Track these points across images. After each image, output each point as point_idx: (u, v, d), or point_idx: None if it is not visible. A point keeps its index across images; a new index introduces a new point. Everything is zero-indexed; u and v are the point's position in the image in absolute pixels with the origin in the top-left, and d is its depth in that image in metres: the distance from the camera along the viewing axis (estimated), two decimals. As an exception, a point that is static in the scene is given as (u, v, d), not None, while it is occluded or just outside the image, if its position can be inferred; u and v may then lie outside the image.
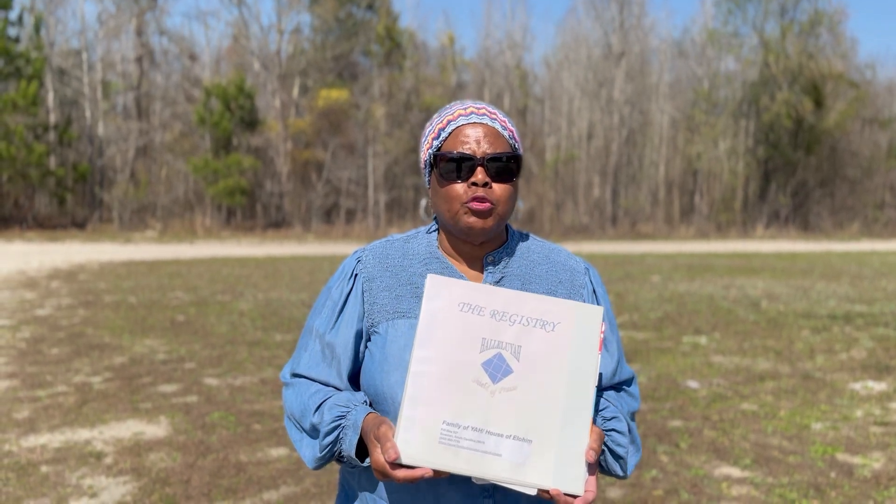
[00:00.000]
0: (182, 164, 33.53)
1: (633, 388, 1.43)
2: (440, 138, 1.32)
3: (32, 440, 4.47)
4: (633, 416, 1.39)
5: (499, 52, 41.08)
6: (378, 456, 1.12)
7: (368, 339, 1.34)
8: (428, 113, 35.27)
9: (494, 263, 1.36)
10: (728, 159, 40.19)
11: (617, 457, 1.27)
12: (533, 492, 1.11)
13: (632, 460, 1.31)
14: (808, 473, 4.05)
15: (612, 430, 1.28)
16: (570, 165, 39.17)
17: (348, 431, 1.22)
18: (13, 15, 31.64)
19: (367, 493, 1.32)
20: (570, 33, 42.53)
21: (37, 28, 31.84)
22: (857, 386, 6.08)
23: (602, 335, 1.19)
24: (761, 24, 41.31)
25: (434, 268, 1.35)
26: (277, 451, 4.31)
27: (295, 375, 1.37)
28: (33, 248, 22.05)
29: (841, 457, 4.33)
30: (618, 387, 1.41)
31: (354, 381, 1.37)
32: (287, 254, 21.95)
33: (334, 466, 3.72)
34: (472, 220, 1.28)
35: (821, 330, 8.84)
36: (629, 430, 1.32)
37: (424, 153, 1.35)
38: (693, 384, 6.08)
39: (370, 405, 1.29)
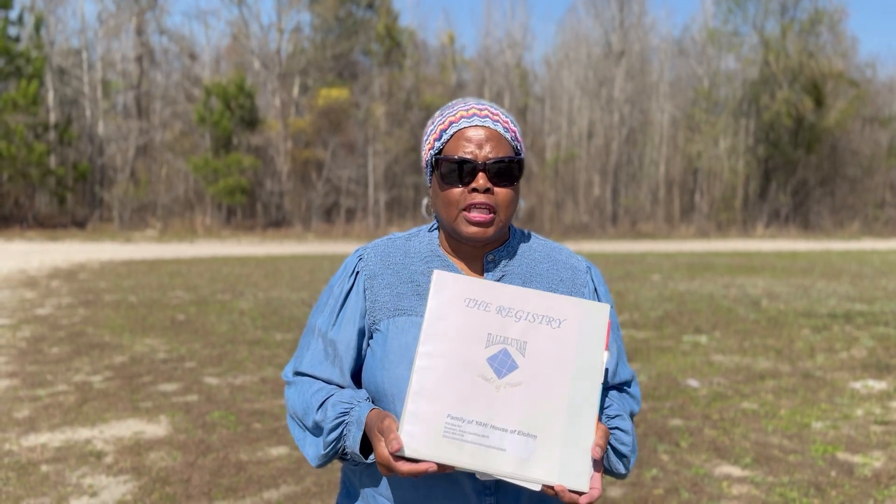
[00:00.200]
0: (182, 163, 33.53)
1: (634, 389, 1.42)
2: (441, 140, 1.30)
3: (33, 439, 4.47)
4: (631, 417, 1.38)
5: (499, 51, 41.08)
6: (382, 449, 1.11)
7: (370, 337, 1.34)
8: (428, 112, 35.26)
9: (495, 262, 1.36)
10: (728, 158, 40.17)
11: (620, 455, 1.27)
12: (537, 487, 1.11)
13: (630, 460, 1.31)
14: (808, 472, 4.05)
15: (616, 428, 1.28)
16: (571, 164, 39.16)
17: (352, 428, 1.21)
18: (13, 14, 31.65)
19: (369, 490, 1.32)
20: (571, 32, 42.55)
21: (37, 27, 31.84)
22: (858, 385, 6.08)
23: (608, 332, 1.19)
24: (761, 22, 41.32)
25: (435, 266, 1.35)
26: (278, 450, 4.31)
27: (297, 374, 1.37)
28: (34, 248, 22.05)
29: (841, 456, 4.33)
30: (619, 387, 1.41)
31: (357, 379, 1.37)
32: (287, 253, 21.95)
33: (335, 465, 3.72)
34: (473, 229, 1.28)
35: (821, 329, 8.83)
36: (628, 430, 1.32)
37: (426, 153, 1.34)
38: (693, 383, 6.08)
39: (373, 402, 1.29)
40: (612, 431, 1.27)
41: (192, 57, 38.87)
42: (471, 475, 1.24)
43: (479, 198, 1.27)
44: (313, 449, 1.30)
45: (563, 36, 43.39)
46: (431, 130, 1.33)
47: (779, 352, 7.45)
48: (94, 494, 3.65)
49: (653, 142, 40.95)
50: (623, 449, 1.27)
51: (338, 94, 35.19)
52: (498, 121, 1.30)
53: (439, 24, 61.77)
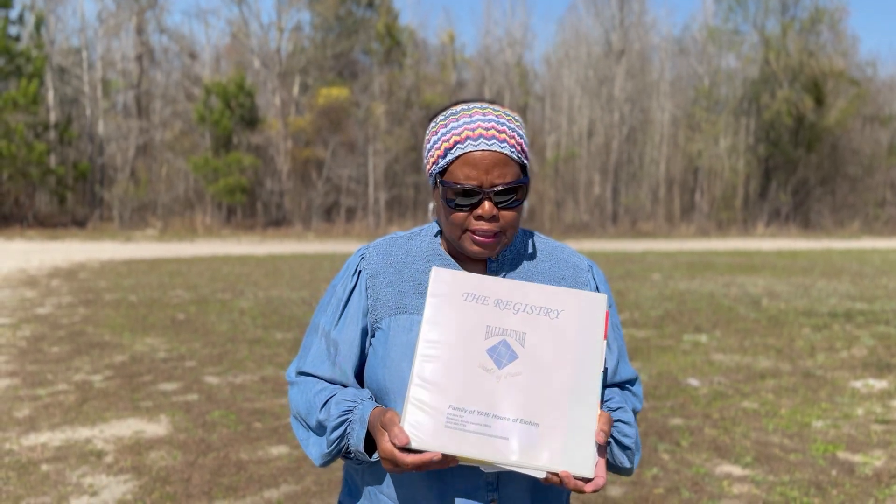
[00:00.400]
0: (182, 162, 33.52)
1: (637, 389, 1.42)
2: (446, 159, 1.25)
3: (33, 439, 4.47)
4: (634, 414, 1.38)
5: (499, 50, 41.05)
6: (385, 443, 1.11)
7: (372, 335, 1.34)
8: (428, 111, 35.26)
9: (497, 261, 1.37)
10: (729, 157, 40.15)
11: (624, 447, 1.27)
12: (542, 475, 1.10)
13: (635, 457, 1.31)
14: (809, 471, 4.05)
15: (619, 420, 1.28)
16: (571, 163, 39.16)
17: (355, 426, 1.22)
18: (14, 13, 31.64)
19: (371, 488, 1.33)
20: (571, 31, 42.52)
21: (37, 27, 31.83)
22: (858, 384, 6.07)
23: (606, 322, 1.19)
24: (762, 21, 41.29)
25: (437, 265, 1.35)
26: (278, 450, 4.30)
27: (301, 373, 1.38)
28: (34, 247, 22.05)
29: (842, 455, 4.33)
30: (621, 385, 1.40)
31: (360, 378, 1.37)
32: (287, 252, 21.95)
33: (336, 463, 3.72)
34: (477, 250, 1.28)
35: (821, 328, 8.83)
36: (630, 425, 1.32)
37: (429, 166, 1.31)
38: (694, 382, 6.08)
39: (375, 401, 1.29)
40: (614, 423, 1.26)
41: (192, 56, 38.88)
42: (473, 470, 1.24)
43: (485, 225, 1.25)
44: (316, 448, 1.30)
45: (564, 34, 43.40)
46: (436, 143, 1.28)
47: (779, 351, 7.45)
48: (94, 494, 3.65)
49: (653, 141, 40.93)
50: (626, 441, 1.27)
51: (338, 93, 35.17)
52: (505, 140, 1.24)
53: (439, 23, 61.80)
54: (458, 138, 1.25)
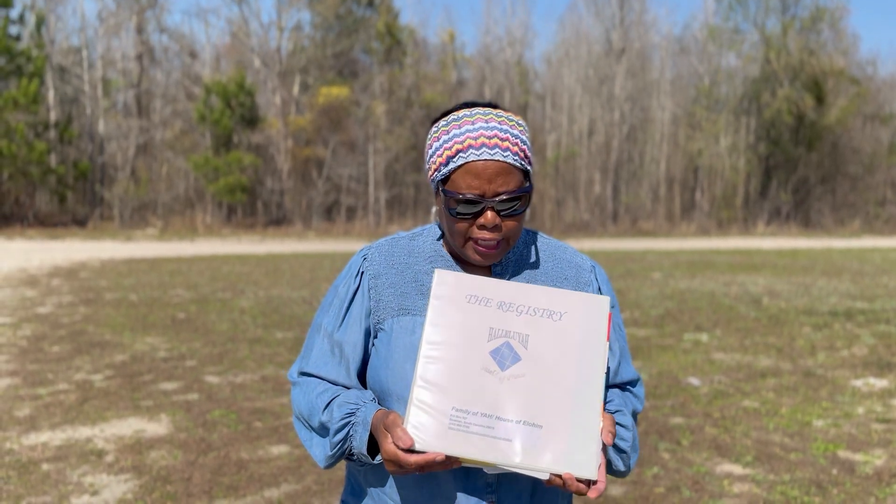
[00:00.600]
0: (182, 161, 33.52)
1: (638, 390, 1.42)
2: (448, 167, 1.24)
3: (33, 438, 4.47)
4: (634, 416, 1.38)
5: (499, 49, 41.03)
6: (388, 445, 1.11)
7: (375, 336, 1.34)
8: (429, 110, 35.26)
9: (500, 263, 1.36)
10: (729, 156, 40.14)
11: (619, 451, 1.27)
12: (545, 476, 1.10)
13: (632, 458, 1.31)
14: (809, 470, 4.05)
15: (616, 423, 1.27)
16: (571, 162, 39.14)
17: (358, 428, 1.21)
18: (14, 13, 31.65)
19: (375, 489, 1.33)
20: (571, 29, 42.49)
21: (38, 26, 31.83)
22: (859, 383, 6.07)
23: (609, 324, 1.19)
24: (762, 20, 41.25)
25: (439, 266, 1.35)
26: (278, 449, 4.30)
27: (303, 374, 1.37)
28: (34, 246, 22.05)
29: (842, 454, 4.33)
30: (622, 386, 1.40)
31: (362, 379, 1.37)
32: (288, 251, 21.95)
33: (338, 463, 3.72)
34: (478, 258, 1.29)
35: (822, 327, 8.83)
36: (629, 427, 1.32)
37: (430, 173, 1.30)
38: (694, 381, 6.07)
39: (378, 402, 1.29)
40: None
41: (193, 55, 38.87)
42: (472, 471, 1.24)
43: (487, 234, 1.25)
44: (320, 450, 1.30)
45: (564, 33, 43.38)
46: (437, 150, 1.27)
47: (780, 350, 7.45)
48: (94, 493, 3.65)
49: (653, 139, 40.91)
50: (622, 444, 1.26)
51: (338, 92, 35.16)
52: (507, 148, 1.22)
53: (439, 22, 61.77)
54: (459, 146, 1.23)
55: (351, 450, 1.24)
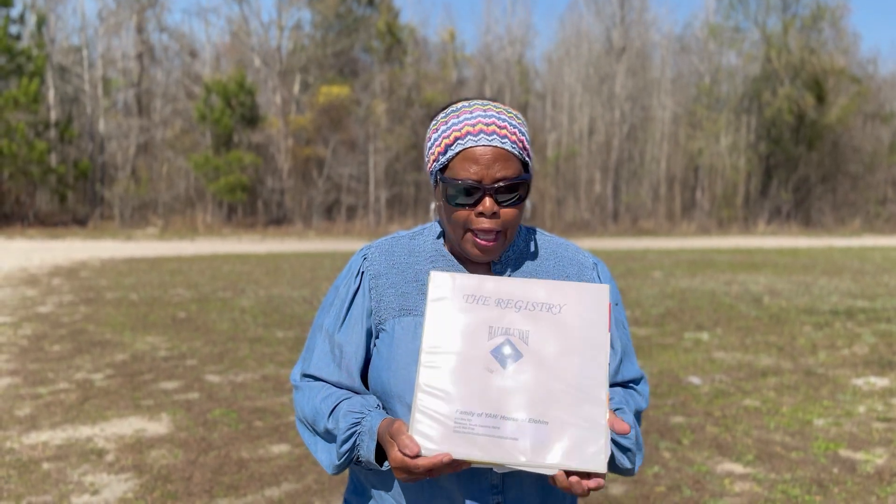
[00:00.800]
0: (183, 160, 33.53)
1: (642, 388, 1.40)
2: (446, 156, 1.25)
3: (34, 437, 4.47)
4: (638, 415, 1.37)
5: (500, 48, 41.02)
6: (396, 453, 1.10)
7: (376, 337, 1.33)
8: (429, 109, 35.23)
9: (500, 262, 1.35)
10: (729, 155, 40.12)
11: (623, 449, 1.25)
12: (554, 472, 1.09)
13: (637, 458, 1.30)
14: (810, 469, 4.04)
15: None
16: (572, 161, 39.13)
17: (364, 438, 1.21)
18: (15, 12, 31.66)
19: (377, 490, 1.32)
20: (572, 28, 42.47)
21: (38, 26, 31.83)
22: (860, 382, 6.07)
23: (609, 313, 1.18)
24: (763, 18, 41.22)
25: (440, 265, 1.34)
26: (279, 448, 4.30)
27: (305, 376, 1.36)
28: (35, 246, 22.06)
29: (843, 453, 4.32)
30: (625, 385, 1.39)
31: (364, 378, 1.36)
32: (288, 250, 21.95)
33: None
34: (477, 252, 1.27)
35: (823, 326, 8.82)
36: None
37: (429, 164, 1.30)
38: (695, 380, 6.07)
39: (381, 404, 1.28)
40: None
41: (193, 54, 38.87)
42: (477, 472, 1.24)
43: (486, 223, 1.24)
44: (326, 455, 1.29)
45: (564, 32, 43.35)
46: (436, 140, 1.27)
47: (780, 349, 7.44)
48: (95, 492, 3.65)
49: (654, 138, 40.89)
50: (625, 442, 1.25)
51: (338, 91, 35.16)
52: (506, 136, 1.23)
53: (440, 21, 61.74)
54: (458, 134, 1.24)
55: (359, 457, 1.24)
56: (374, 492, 1.33)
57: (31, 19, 32.21)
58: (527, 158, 1.27)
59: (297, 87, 36.92)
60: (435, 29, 61.01)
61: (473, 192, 1.23)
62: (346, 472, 2.95)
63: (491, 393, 1.12)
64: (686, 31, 44.40)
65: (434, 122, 1.30)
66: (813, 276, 15.00)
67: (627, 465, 1.26)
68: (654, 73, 41.76)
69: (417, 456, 1.08)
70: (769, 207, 40.06)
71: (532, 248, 1.39)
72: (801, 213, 40.67)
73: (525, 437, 1.10)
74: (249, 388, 5.68)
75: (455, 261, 1.35)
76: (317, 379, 1.35)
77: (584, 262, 1.40)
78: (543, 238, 1.42)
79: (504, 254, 1.35)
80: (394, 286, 1.33)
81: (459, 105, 1.28)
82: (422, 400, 1.12)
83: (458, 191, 1.23)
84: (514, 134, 1.25)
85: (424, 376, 1.13)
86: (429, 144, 1.30)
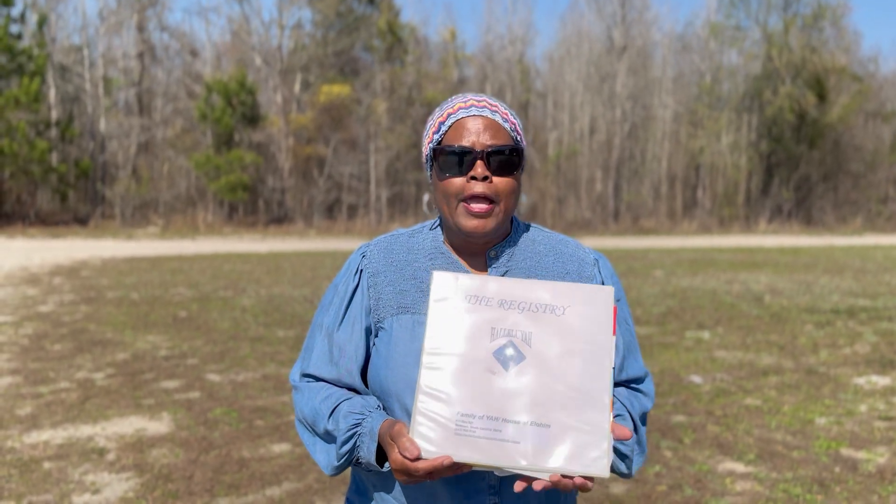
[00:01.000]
0: (184, 160, 33.54)
1: (646, 386, 1.39)
2: (440, 132, 1.29)
3: (35, 436, 4.47)
4: (644, 416, 1.35)
5: (500, 47, 41.02)
6: (397, 455, 1.09)
7: (375, 335, 1.33)
8: (429, 108, 35.22)
9: (498, 258, 1.34)
10: (731, 154, 40.09)
11: (622, 455, 1.25)
12: (556, 476, 1.08)
13: (637, 461, 1.29)
14: (812, 468, 4.04)
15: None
16: (573, 160, 39.11)
17: (365, 439, 1.20)
18: (15, 12, 31.66)
19: (381, 493, 1.32)
20: (572, 27, 42.44)
21: (39, 25, 31.84)
22: (861, 380, 6.06)
23: (615, 315, 1.16)
24: (764, 17, 41.18)
25: (438, 263, 1.34)
26: (280, 447, 4.30)
27: (305, 375, 1.36)
28: (35, 245, 22.07)
29: (845, 451, 4.32)
30: (628, 384, 1.37)
31: (364, 376, 1.35)
32: (289, 249, 21.95)
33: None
34: (472, 223, 1.26)
35: (824, 324, 8.81)
36: (635, 430, 1.30)
37: (425, 147, 1.33)
38: (696, 379, 6.07)
39: (380, 402, 1.28)
40: None
41: (194, 53, 38.87)
42: (476, 472, 1.23)
43: (478, 187, 1.25)
44: (325, 456, 1.28)
45: (565, 31, 43.32)
46: (431, 124, 1.32)
47: (782, 348, 7.44)
48: (96, 491, 3.65)
49: (655, 137, 40.86)
50: (623, 449, 1.24)
51: (339, 90, 35.16)
52: (497, 111, 1.29)
53: (441, 20, 61.71)
54: (451, 111, 1.30)
55: (359, 459, 1.23)
56: (377, 494, 1.32)
57: (32, 18, 32.24)
58: (518, 137, 1.31)
59: (297, 86, 36.92)
60: (436, 28, 60.96)
61: (465, 157, 1.25)
62: (348, 471, 2.95)
63: (492, 395, 1.10)
64: (687, 30, 44.42)
65: (430, 116, 1.36)
66: (814, 274, 14.99)
67: (624, 470, 1.26)
68: (655, 72, 41.73)
69: (418, 459, 1.07)
70: (770, 206, 40.04)
71: (531, 246, 1.38)
72: (803, 212, 40.64)
73: (526, 440, 1.08)
74: (250, 387, 5.68)
75: (455, 258, 1.34)
76: (316, 378, 1.34)
77: (585, 258, 1.39)
78: (543, 234, 1.41)
79: (503, 251, 1.34)
80: (392, 284, 1.32)
81: (454, 96, 1.35)
82: (423, 402, 1.11)
83: (450, 159, 1.27)
84: (506, 114, 1.31)
85: (426, 378, 1.12)
86: (425, 132, 1.35)
